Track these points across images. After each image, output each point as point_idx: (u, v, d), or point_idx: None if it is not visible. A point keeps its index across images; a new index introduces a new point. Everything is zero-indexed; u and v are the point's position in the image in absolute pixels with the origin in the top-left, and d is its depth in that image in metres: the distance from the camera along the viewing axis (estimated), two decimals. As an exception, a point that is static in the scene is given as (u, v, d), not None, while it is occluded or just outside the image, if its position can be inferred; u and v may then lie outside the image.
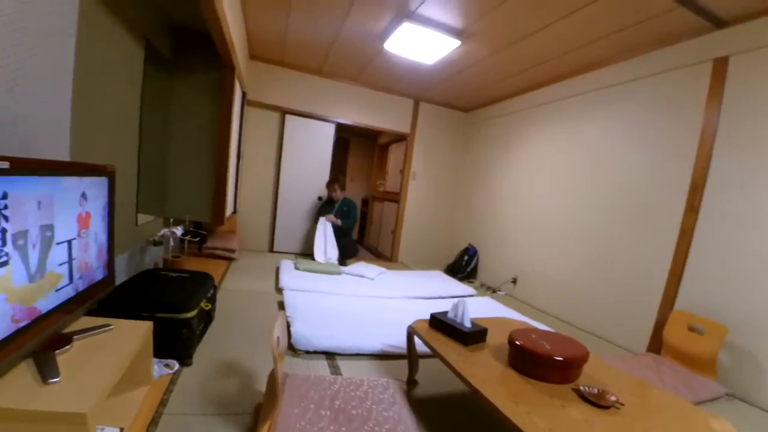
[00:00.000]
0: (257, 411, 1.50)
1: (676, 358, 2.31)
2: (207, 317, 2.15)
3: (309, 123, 4.81)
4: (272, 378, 1.38)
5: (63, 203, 1.08)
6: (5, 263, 0.87)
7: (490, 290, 4.31)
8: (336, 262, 4.28)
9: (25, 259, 0.93)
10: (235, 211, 4.20)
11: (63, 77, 1.38)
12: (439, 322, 1.84)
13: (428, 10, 2.77)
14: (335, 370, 1.99)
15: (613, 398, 1.30)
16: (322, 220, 4.42)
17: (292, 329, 2.22)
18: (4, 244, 0.86)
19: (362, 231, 7.07)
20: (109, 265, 1.43)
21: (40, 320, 1.01)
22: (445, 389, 1.92)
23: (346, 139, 7.21)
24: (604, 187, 3.25)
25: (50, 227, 1.03)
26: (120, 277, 1.61)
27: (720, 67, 2.46)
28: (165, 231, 2.61)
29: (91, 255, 1.27)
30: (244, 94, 4.06)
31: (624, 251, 3.01)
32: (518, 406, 1.22)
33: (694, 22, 2.46)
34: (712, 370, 2.13)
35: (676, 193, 2.65)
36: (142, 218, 2.55)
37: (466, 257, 4.86)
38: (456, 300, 1.87)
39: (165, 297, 1.76)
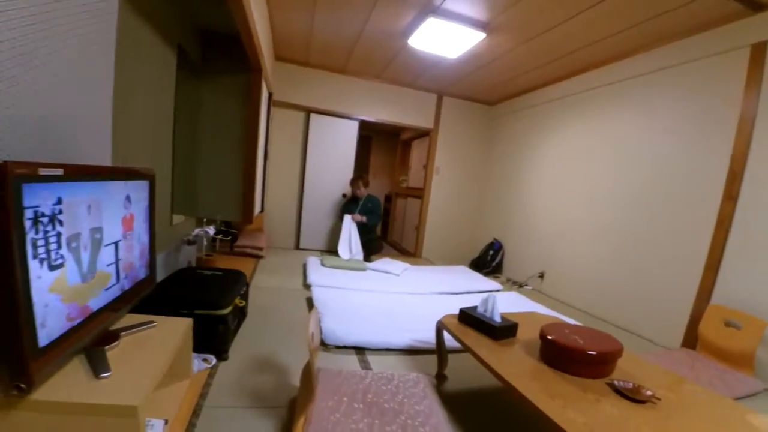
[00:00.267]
0: (292, 404, 1.55)
1: (712, 354, 2.23)
2: (241, 313, 2.22)
3: (333, 121, 4.86)
4: (306, 372, 1.42)
5: (110, 206, 1.14)
6: (61, 265, 0.93)
7: (517, 285, 4.26)
8: (361, 259, 4.32)
9: (78, 260, 0.99)
10: (262, 210, 4.30)
11: (104, 83, 1.44)
12: (468, 317, 1.84)
13: (453, 4, 2.75)
14: (365, 365, 2.03)
15: (648, 393, 1.28)
16: (347, 217, 4.47)
17: (323, 325, 2.26)
18: (60, 247, 0.92)
19: (385, 227, 7.10)
20: (151, 265, 1.49)
21: (92, 318, 1.07)
22: (475, 384, 1.92)
23: (369, 136, 7.24)
24: (634, 178, 3.15)
25: (99, 230, 1.09)
26: (159, 276, 1.69)
27: (758, 53, 2.34)
28: (199, 231, 2.70)
29: (134, 255, 1.34)
30: (270, 95, 4.14)
31: (656, 244, 2.91)
32: (553, 401, 1.21)
33: (730, 7, 2.35)
34: (750, 366, 2.05)
35: (711, 182, 2.55)
36: (176, 219, 2.65)
37: (491, 252, 4.81)
38: (485, 295, 1.87)
39: (202, 294, 1.83)
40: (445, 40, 3.23)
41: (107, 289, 1.16)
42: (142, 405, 0.94)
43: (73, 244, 0.97)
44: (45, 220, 0.86)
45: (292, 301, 2.89)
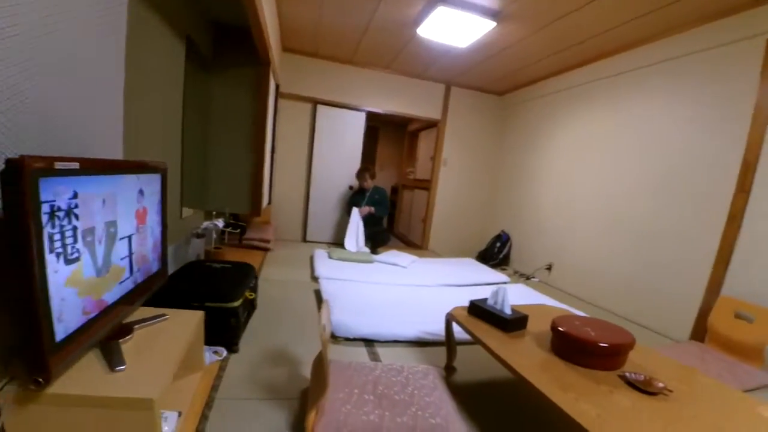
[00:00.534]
0: (303, 396, 1.56)
1: (722, 346, 2.22)
2: (251, 306, 2.23)
3: (340, 113, 4.84)
4: (318, 364, 1.43)
5: (124, 200, 1.15)
6: (77, 259, 0.93)
7: (524, 277, 4.25)
8: (368, 251, 4.32)
9: (93, 254, 1.00)
10: (269, 202, 4.31)
11: (116, 75, 1.44)
12: (478, 309, 1.84)
13: (464, -8, 2.70)
14: (375, 357, 2.04)
15: (660, 385, 1.27)
16: (355, 210, 4.46)
17: (332, 317, 2.27)
18: (76, 241, 0.93)
19: (392, 219, 7.10)
20: (163, 258, 1.50)
21: (107, 312, 1.08)
22: (484, 375, 1.93)
23: (375, 127, 7.20)
24: (645, 169, 3.11)
25: (113, 223, 1.10)
26: (169, 269, 1.70)
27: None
28: (208, 224, 2.72)
29: (147, 248, 1.35)
30: (277, 87, 4.12)
31: (666, 236, 2.88)
32: (566, 393, 1.21)
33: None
34: (760, 358, 2.04)
35: (725, 174, 2.50)
36: (185, 212, 2.66)
37: (498, 244, 4.80)
38: (496, 287, 1.87)
39: (213, 287, 1.85)
40: (454, 29, 3.19)
41: (121, 283, 1.17)
42: (158, 398, 0.95)
43: (89, 238, 0.98)
44: (61, 214, 0.86)
45: (300, 293, 2.91)
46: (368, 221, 4.51)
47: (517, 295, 2.99)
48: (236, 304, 1.83)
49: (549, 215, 4.23)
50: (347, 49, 4.22)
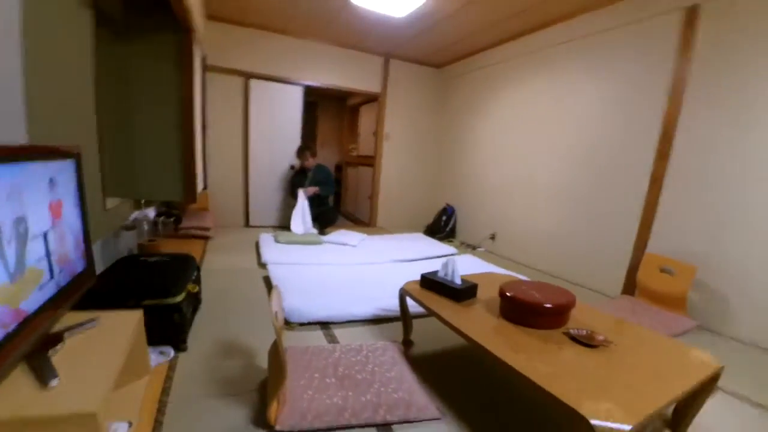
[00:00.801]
0: (262, 387, 1.51)
1: (649, 298, 2.47)
2: (195, 300, 2.10)
3: (275, 87, 4.58)
4: (274, 353, 1.38)
5: (32, 192, 0.99)
6: (-20, 265, 0.79)
7: (470, 248, 4.43)
8: (315, 232, 4.24)
9: (2, 257, 0.86)
10: (205, 187, 4.04)
11: (10, 49, 1.22)
12: (430, 282, 1.88)
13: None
14: (332, 339, 2.02)
15: (601, 338, 1.39)
16: (301, 193, 4.30)
17: (284, 303, 2.20)
18: (-24, 244, 0.78)
19: (338, 198, 7.00)
20: (88, 255, 1.34)
21: (28, 321, 0.94)
22: (440, 346, 1.99)
23: (314, 102, 6.95)
24: (578, 138, 3.32)
25: (23, 219, 0.94)
26: (97, 268, 1.52)
27: (691, 16, 2.47)
28: (137, 214, 2.48)
29: (68, 246, 1.19)
30: (203, 59, 3.78)
31: (599, 201, 3.13)
32: (518, 354, 1.28)
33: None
34: (683, 307, 2.31)
35: (647, 142, 2.74)
36: (110, 202, 2.40)
37: (444, 217, 4.93)
38: (445, 259, 1.91)
39: (150, 283, 1.70)
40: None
41: (41, 287, 1.02)
42: (100, 410, 0.86)
43: (-7, 240, 0.83)
44: (-48, 215, 0.72)
45: (248, 281, 2.79)
46: (314, 201, 4.40)
47: (465, 266, 3.10)
48: (178, 299, 1.70)
49: (490, 186, 4.41)
50: (278, 16, 3.96)
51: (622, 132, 2.94)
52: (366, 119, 5.85)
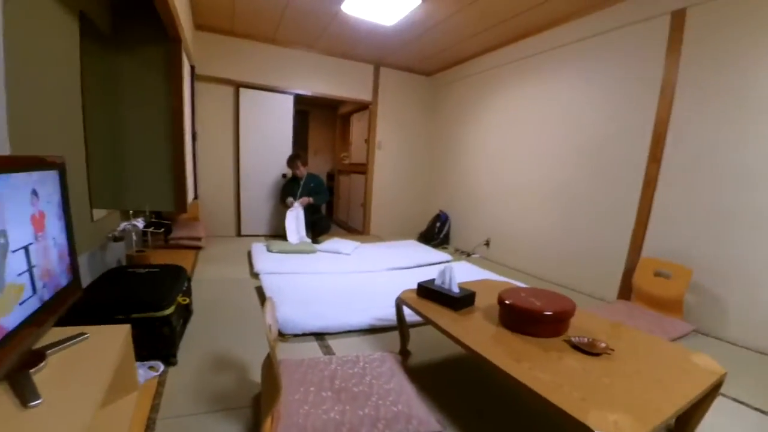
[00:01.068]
0: (256, 402, 1.46)
1: (646, 302, 2.47)
2: (185, 312, 2.04)
3: (265, 96, 4.56)
4: (268, 366, 1.33)
5: (12, 204, 0.95)
6: (-44, 281, 0.75)
7: (465, 254, 4.41)
8: (309, 241, 4.19)
9: (-21, 273, 0.81)
10: (196, 197, 3.98)
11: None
12: (427, 290, 1.85)
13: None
14: (327, 350, 1.97)
15: (603, 345, 1.37)
16: (296, 204, 4.26)
17: (278, 314, 2.16)
18: (-49, 259, 0.74)
19: (331, 206, 6.96)
20: (73, 268, 1.29)
21: (9, 338, 0.89)
22: (438, 355, 1.96)
23: (305, 111, 6.94)
24: (571, 143, 3.33)
25: (2, 233, 0.90)
26: (84, 280, 1.47)
27: (678, 19, 2.51)
28: (125, 225, 2.42)
29: (52, 259, 1.14)
30: (192, 68, 3.75)
31: (593, 205, 3.14)
32: (519, 364, 1.25)
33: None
34: (680, 310, 2.30)
35: (639, 145, 2.76)
36: (97, 213, 2.34)
37: (438, 224, 4.92)
38: (443, 266, 1.88)
39: (138, 296, 1.64)
40: (380, 5, 3.10)
41: (22, 303, 0.98)
42: (85, 430, 0.81)
43: (-30, 255, 0.79)
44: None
45: (240, 292, 2.73)
46: (307, 209, 4.36)
47: (461, 273, 3.06)
48: (168, 311, 1.65)
49: (484, 192, 4.41)
50: (268, 26, 3.96)
51: (614, 136, 2.96)
52: (358, 127, 5.84)
